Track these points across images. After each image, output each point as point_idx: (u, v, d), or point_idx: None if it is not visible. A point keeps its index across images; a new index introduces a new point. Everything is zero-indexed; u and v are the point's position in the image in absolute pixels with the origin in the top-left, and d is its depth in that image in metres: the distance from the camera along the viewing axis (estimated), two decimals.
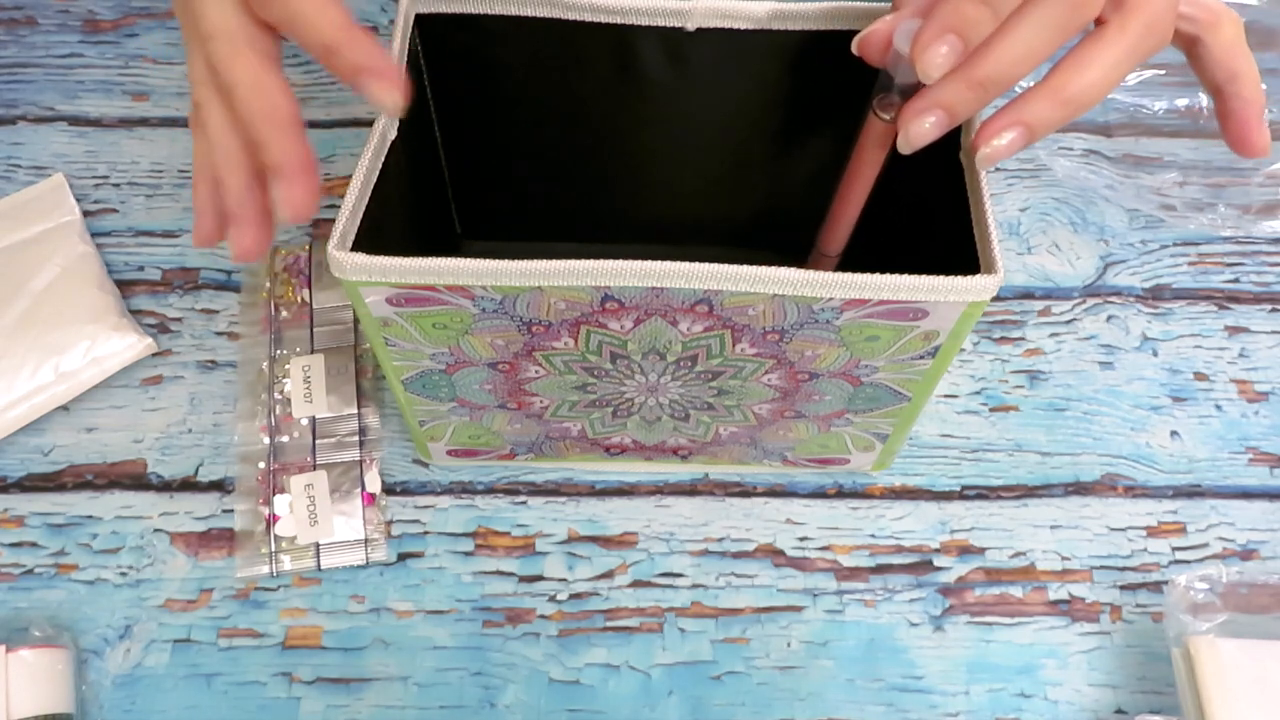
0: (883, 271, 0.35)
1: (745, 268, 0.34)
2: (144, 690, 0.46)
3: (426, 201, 0.48)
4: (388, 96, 0.34)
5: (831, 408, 0.44)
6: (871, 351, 0.39)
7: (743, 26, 0.41)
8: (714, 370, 0.41)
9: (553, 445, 0.48)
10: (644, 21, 0.41)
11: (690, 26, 0.41)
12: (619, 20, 0.41)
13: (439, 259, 0.35)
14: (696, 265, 0.35)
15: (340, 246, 0.35)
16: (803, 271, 0.35)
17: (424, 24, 0.42)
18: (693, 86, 0.44)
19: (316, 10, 0.34)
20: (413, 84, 0.38)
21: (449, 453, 0.49)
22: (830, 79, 0.43)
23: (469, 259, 0.35)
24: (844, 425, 0.45)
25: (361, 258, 0.35)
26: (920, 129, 0.34)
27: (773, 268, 0.34)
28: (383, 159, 0.38)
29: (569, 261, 0.35)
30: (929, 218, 0.42)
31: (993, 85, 0.34)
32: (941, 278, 0.34)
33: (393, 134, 0.39)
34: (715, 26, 0.41)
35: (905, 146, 0.35)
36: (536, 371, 0.41)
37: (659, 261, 0.35)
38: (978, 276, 0.34)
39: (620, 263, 0.35)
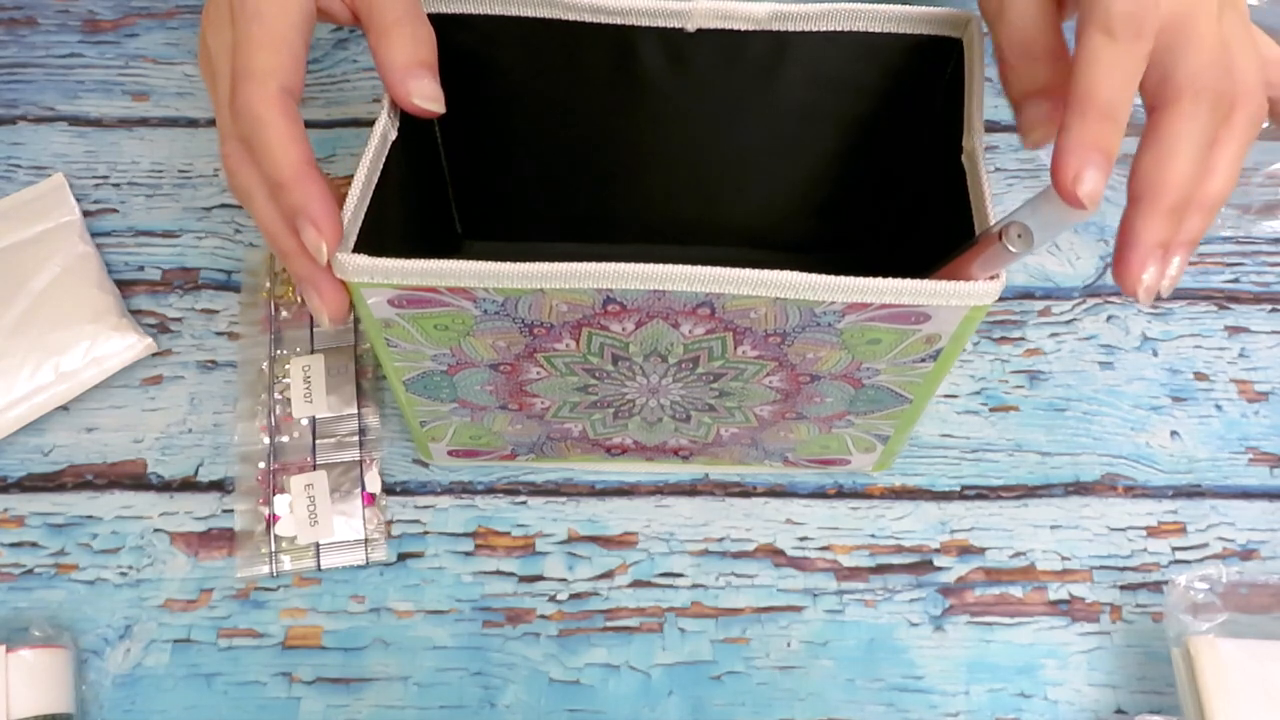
0: (885, 274, 0.35)
1: (747, 271, 0.34)
2: (144, 690, 0.46)
3: (428, 202, 0.48)
4: (313, 240, 0.35)
5: (833, 409, 0.44)
6: (873, 354, 0.39)
7: (743, 27, 0.41)
8: (715, 372, 0.41)
9: (553, 446, 0.48)
10: (644, 22, 0.41)
11: (690, 27, 0.41)
12: (619, 21, 0.41)
13: (441, 261, 0.35)
14: (698, 268, 0.34)
15: (342, 248, 0.35)
16: (805, 275, 0.34)
17: None
18: (693, 86, 0.44)
19: (280, 144, 0.35)
20: None
21: (449, 453, 0.49)
22: (830, 78, 0.43)
23: (471, 261, 0.35)
24: (845, 427, 0.45)
25: (363, 259, 0.35)
26: (1150, 282, 0.33)
27: (775, 271, 0.34)
28: (383, 160, 0.38)
29: (571, 264, 0.35)
30: (930, 219, 0.42)
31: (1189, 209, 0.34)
32: (944, 282, 0.34)
33: (393, 134, 0.39)
34: (715, 27, 0.41)
35: (1145, 298, 0.34)
36: (538, 373, 0.41)
37: (661, 264, 0.35)
38: (980, 280, 0.34)
39: (622, 265, 0.35)
